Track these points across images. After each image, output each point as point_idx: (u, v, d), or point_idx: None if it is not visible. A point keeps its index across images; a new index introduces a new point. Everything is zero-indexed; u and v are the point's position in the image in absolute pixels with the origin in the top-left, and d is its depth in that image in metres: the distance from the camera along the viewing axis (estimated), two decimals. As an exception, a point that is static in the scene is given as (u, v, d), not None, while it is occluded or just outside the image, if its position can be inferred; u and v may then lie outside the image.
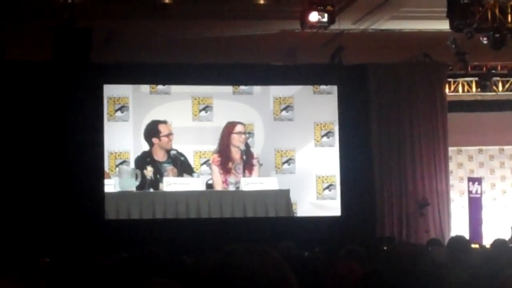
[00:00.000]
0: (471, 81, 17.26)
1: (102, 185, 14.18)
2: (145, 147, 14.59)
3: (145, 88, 14.94)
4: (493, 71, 17.20)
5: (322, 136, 15.30)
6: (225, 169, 14.61)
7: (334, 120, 15.29)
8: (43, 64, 14.18)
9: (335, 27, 13.50)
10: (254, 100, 15.25)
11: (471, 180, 16.84)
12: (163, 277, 3.72)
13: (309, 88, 15.37)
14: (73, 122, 14.15)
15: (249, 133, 14.96)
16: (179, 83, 15.10)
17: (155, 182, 14.35)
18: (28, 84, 14.07)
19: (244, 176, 14.53)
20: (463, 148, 17.54)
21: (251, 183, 14.33)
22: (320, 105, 15.29)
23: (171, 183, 14.13)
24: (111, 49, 14.76)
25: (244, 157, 14.63)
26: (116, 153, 14.68)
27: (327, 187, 15.20)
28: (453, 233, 14.48)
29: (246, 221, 14.24)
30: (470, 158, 17.73)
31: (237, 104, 15.14)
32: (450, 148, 16.08)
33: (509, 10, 12.88)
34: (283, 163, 15.17)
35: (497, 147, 17.69)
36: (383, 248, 10.19)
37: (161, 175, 14.38)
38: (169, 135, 14.54)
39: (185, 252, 7.39)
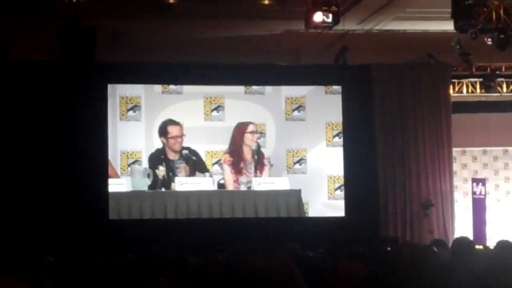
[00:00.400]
0: (475, 82, 17.24)
1: (106, 184, 14.19)
2: (158, 146, 14.61)
3: (157, 88, 14.96)
4: (498, 72, 17.18)
5: (334, 136, 15.29)
6: (237, 169, 14.61)
7: (345, 120, 15.37)
8: (48, 63, 14.20)
9: (339, 27, 13.51)
10: (266, 100, 15.26)
11: (475, 181, 16.82)
12: (168, 277, 3.73)
13: (320, 88, 15.36)
14: (78, 122, 14.16)
15: (260, 133, 14.97)
16: (183, 82, 15.10)
17: (167, 181, 14.36)
18: (33, 83, 14.08)
19: (255, 176, 14.54)
20: (467, 149, 17.52)
21: (262, 183, 14.32)
22: (332, 105, 15.28)
23: (183, 183, 14.14)
24: (115, 49, 14.79)
25: (256, 157, 14.63)
26: (128, 152, 14.69)
27: (339, 187, 15.19)
28: (457, 234, 14.49)
29: (251, 221, 14.24)
30: (474, 159, 17.71)
31: (249, 104, 15.14)
32: (454, 149, 16.07)
33: (513, 11, 12.88)
34: (295, 163, 15.18)
35: (501, 148, 17.67)
36: (387, 249, 10.18)
37: (174, 174, 14.39)
38: (177, 137, 14.51)
39: (194, 252, 7.40)
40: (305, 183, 14.84)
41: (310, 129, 15.26)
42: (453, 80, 16.81)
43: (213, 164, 14.83)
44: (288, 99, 15.29)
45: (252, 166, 14.63)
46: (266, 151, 14.90)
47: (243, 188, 14.55)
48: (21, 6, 13.37)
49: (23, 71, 14.16)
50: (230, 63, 15.07)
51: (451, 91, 16.32)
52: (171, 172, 14.43)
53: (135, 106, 14.79)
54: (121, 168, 14.58)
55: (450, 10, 12.67)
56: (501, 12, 12.76)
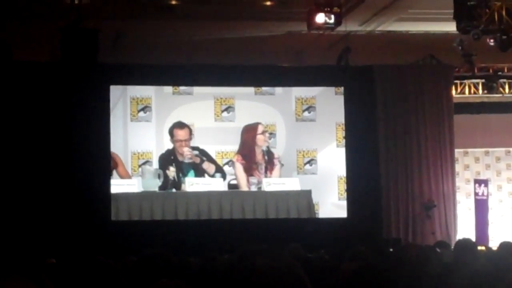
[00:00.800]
0: (478, 83, 17.23)
1: (108, 186, 14.20)
2: (168, 147, 14.63)
3: (168, 89, 15.00)
4: (500, 73, 17.17)
5: (344, 137, 15.32)
6: (248, 169, 14.60)
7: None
8: (50, 65, 14.21)
9: (341, 28, 13.49)
10: (276, 100, 15.29)
11: (478, 182, 16.81)
12: (171, 278, 3.72)
13: (330, 89, 15.38)
14: (80, 123, 14.18)
15: (270, 133, 14.98)
16: (186, 84, 15.12)
17: (178, 182, 14.36)
18: (36, 85, 14.11)
19: (265, 176, 14.54)
20: (470, 150, 17.51)
21: (273, 183, 14.32)
22: (342, 106, 15.31)
23: (193, 183, 14.13)
24: (118, 50, 14.77)
25: (266, 157, 14.63)
26: (139, 153, 14.72)
27: (349, 188, 15.26)
28: (459, 235, 14.49)
29: (253, 222, 14.24)
30: (477, 160, 17.70)
31: (259, 104, 15.19)
32: (456, 150, 16.07)
33: (516, 12, 12.86)
34: (305, 163, 15.20)
35: (503, 149, 17.66)
36: (390, 250, 10.18)
37: (183, 175, 14.38)
38: (182, 141, 14.49)
39: (201, 253, 7.38)
40: (316, 184, 14.86)
41: (320, 130, 15.29)
42: (456, 81, 16.80)
43: (224, 165, 14.84)
44: (298, 99, 15.32)
45: (263, 167, 14.63)
46: (277, 151, 14.92)
47: (253, 188, 14.53)
48: (23, 8, 13.38)
49: (26, 72, 14.19)
50: (231, 64, 15.08)
51: (453, 92, 16.31)
52: (181, 173, 14.43)
53: (146, 107, 14.83)
54: (132, 169, 14.60)
55: (452, 11, 12.66)
56: (504, 13, 12.75)
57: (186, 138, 14.54)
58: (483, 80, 17.14)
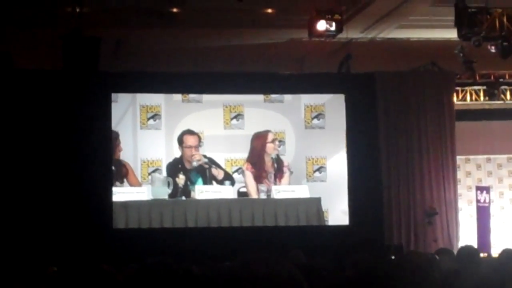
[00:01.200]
0: (479, 90, 17.23)
1: (110, 193, 14.19)
2: (177, 155, 14.59)
3: (177, 96, 14.98)
4: (501, 79, 17.18)
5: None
6: (258, 177, 14.57)
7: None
8: (51, 73, 14.21)
9: (343, 35, 13.52)
10: (285, 108, 15.26)
11: (479, 189, 16.79)
12: (173, 286, 3.72)
13: (340, 97, 15.34)
14: (82, 131, 14.17)
15: (280, 141, 14.96)
16: (187, 92, 15.12)
17: (187, 190, 14.33)
18: (37, 93, 14.10)
19: (275, 183, 14.51)
20: (471, 157, 17.51)
21: (282, 191, 14.26)
22: None
23: (203, 191, 14.09)
24: (119, 58, 14.80)
25: (275, 165, 14.60)
26: (148, 161, 14.71)
27: (359, 196, 15.25)
28: (461, 243, 14.47)
29: (255, 229, 14.22)
30: (478, 167, 17.70)
31: (268, 112, 15.14)
32: (458, 157, 16.05)
33: (517, 19, 12.88)
34: (315, 171, 15.18)
35: (505, 156, 17.65)
36: (391, 257, 10.17)
37: (192, 183, 14.36)
38: (192, 147, 14.44)
39: (206, 261, 7.38)
40: (325, 191, 14.82)
41: (329, 137, 15.26)
42: (457, 88, 16.79)
43: (233, 172, 14.83)
44: (308, 107, 15.30)
45: (272, 175, 14.60)
46: (286, 159, 14.88)
47: (263, 196, 14.49)
48: (24, 16, 13.41)
49: (27, 80, 14.18)
50: (233, 71, 15.08)
51: (454, 99, 16.31)
52: (189, 181, 14.40)
53: (155, 115, 14.82)
54: (141, 177, 14.59)
55: (453, 18, 12.68)
56: (505, 19, 12.77)
57: (195, 145, 14.48)
58: (485, 87, 17.14)
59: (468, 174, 17.60)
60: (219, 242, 13.47)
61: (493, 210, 16.74)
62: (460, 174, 16.62)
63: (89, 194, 13.99)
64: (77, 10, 12.99)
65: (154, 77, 14.79)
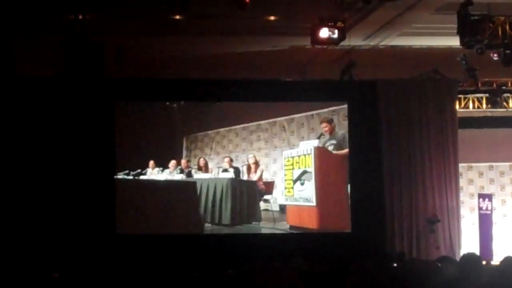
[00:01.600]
0: (482, 98, 17.22)
1: (113, 199, 14.21)
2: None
3: None
4: (504, 87, 17.16)
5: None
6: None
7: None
8: (55, 79, 14.23)
9: (345, 43, 13.52)
10: None
11: (482, 196, 16.77)
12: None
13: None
14: (85, 137, 14.19)
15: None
16: (190, 99, 15.14)
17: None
18: (40, 99, 14.12)
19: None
20: (474, 164, 17.49)
21: None
22: None
23: None
24: (122, 65, 14.81)
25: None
26: None
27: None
28: (463, 250, 14.45)
29: (260, 237, 14.26)
30: (481, 174, 17.67)
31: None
32: (460, 165, 16.03)
33: (519, 27, 12.89)
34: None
35: (507, 164, 17.63)
36: (393, 265, 10.15)
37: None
38: None
39: (210, 268, 7.37)
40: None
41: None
42: (459, 96, 16.78)
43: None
44: None
45: None
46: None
47: None
48: (28, 23, 13.42)
49: (30, 86, 14.20)
50: (236, 79, 15.08)
51: (457, 106, 16.30)
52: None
53: None
54: None
55: (456, 26, 12.68)
56: (507, 27, 12.77)
57: None
58: (487, 95, 17.12)
59: (471, 181, 17.58)
60: (222, 249, 13.48)
61: (495, 218, 16.72)
62: (462, 182, 16.61)
63: (92, 199, 14.01)
64: (80, 17, 13.01)
65: (157, 84, 14.80)
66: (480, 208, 16.51)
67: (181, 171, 15.40)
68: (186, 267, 6.84)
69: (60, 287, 6.17)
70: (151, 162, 15.25)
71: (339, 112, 15.48)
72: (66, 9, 12.89)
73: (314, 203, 14.86)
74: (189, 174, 15.45)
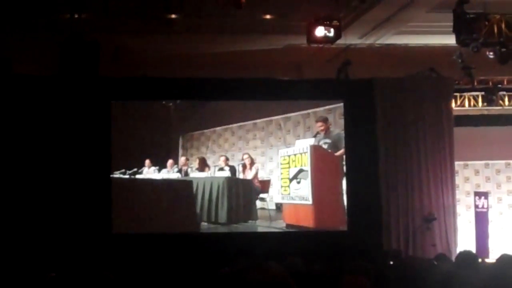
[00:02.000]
0: (477, 96, 17.24)
1: (109, 199, 14.20)
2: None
3: None
4: (499, 85, 17.18)
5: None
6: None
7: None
8: (51, 79, 14.22)
9: (341, 42, 13.51)
10: None
11: (478, 194, 16.80)
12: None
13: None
14: (81, 137, 14.19)
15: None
16: (186, 98, 15.14)
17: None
18: (36, 98, 14.12)
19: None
20: (470, 162, 17.51)
21: None
22: None
23: None
24: (118, 64, 14.80)
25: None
26: None
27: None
28: (459, 248, 14.46)
29: (255, 236, 14.26)
30: (477, 172, 17.69)
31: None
32: (456, 163, 16.06)
33: (515, 25, 12.88)
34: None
35: (503, 161, 17.65)
36: (390, 263, 10.17)
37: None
38: None
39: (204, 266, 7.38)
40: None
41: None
42: (455, 94, 16.81)
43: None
44: None
45: None
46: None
47: None
48: (24, 22, 13.40)
49: (26, 86, 14.19)
50: (232, 77, 15.08)
51: (453, 104, 16.32)
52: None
53: None
54: None
55: (451, 24, 12.68)
56: (503, 25, 12.76)
57: None
58: (483, 93, 17.15)
59: (467, 179, 17.60)
60: (218, 248, 13.48)
61: (491, 216, 16.75)
62: (458, 180, 16.63)
63: (88, 199, 14.00)
64: (76, 16, 13.00)
65: (153, 84, 14.80)
66: (476, 206, 16.54)
67: (180, 171, 15.43)
68: (183, 266, 6.84)
69: (56, 287, 6.17)
70: (147, 161, 15.27)
71: (335, 110, 15.50)
72: (62, 9, 12.88)
73: (310, 202, 14.86)
74: (185, 173, 15.46)
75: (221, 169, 15.48)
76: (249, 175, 15.45)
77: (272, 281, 2.32)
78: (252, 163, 15.50)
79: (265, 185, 15.57)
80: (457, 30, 12.67)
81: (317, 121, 15.35)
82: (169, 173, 15.39)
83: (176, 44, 14.80)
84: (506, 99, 17.36)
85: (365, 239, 14.55)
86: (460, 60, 14.68)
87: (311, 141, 15.29)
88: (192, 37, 14.51)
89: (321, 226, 14.89)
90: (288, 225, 15.10)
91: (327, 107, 15.51)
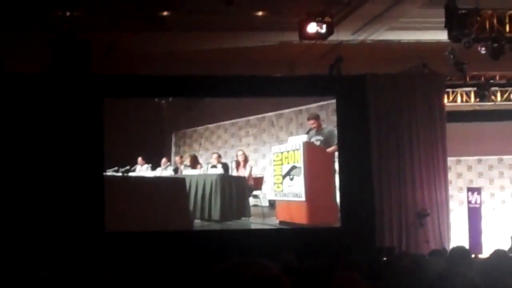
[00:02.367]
0: (470, 91, 17.27)
1: (102, 197, 14.18)
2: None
3: None
4: (492, 81, 17.22)
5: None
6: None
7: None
8: (43, 76, 14.19)
9: (333, 38, 13.51)
10: None
11: (471, 190, 16.83)
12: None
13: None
14: (73, 135, 14.16)
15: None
16: (178, 95, 15.11)
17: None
18: (28, 97, 14.08)
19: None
20: (462, 158, 17.54)
21: None
22: None
23: None
24: (110, 62, 14.78)
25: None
26: None
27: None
28: (452, 244, 14.48)
29: (249, 232, 14.25)
30: (469, 168, 17.73)
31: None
32: (449, 158, 16.07)
33: (507, 20, 12.90)
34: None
35: (496, 157, 17.70)
36: (383, 259, 10.17)
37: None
38: None
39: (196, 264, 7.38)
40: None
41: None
42: (448, 90, 16.83)
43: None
44: None
45: None
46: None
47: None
48: (15, 21, 13.37)
49: (18, 84, 14.15)
50: (224, 75, 15.06)
51: (445, 100, 16.33)
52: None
53: None
54: None
55: (443, 19, 12.69)
56: (495, 21, 12.79)
57: None
58: (475, 88, 17.18)
59: (459, 175, 17.64)
60: (212, 245, 13.48)
61: (484, 211, 16.78)
62: (451, 176, 16.66)
63: (80, 197, 13.98)
64: (68, 14, 12.97)
65: (145, 81, 14.77)
66: (469, 202, 16.57)
67: (175, 170, 15.44)
68: (176, 263, 6.83)
69: (49, 285, 6.16)
70: (140, 159, 15.26)
71: (328, 107, 15.50)
72: (54, 6, 12.85)
73: (303, 198, 14.86)
74: (178, 171, 15.45)
75: (214, 166, 15.46)
76: (242, 172, 15.45)
77: (266, 278, 2.31)
78: (246, 160, 15.49)
79: (258, 182, 15.57)
80: (449, 26, 12.69)
81: (308, 119, 15.34)
82: (163, 171, 15.38)
83: (168, 41, 14.79)
84: (499, 94, 17.40)
85: (358, 236, 14.55)
86: (452, 56, 14.71)
87: (304, 137, 15.28)
88: (184, 35, 14.50)
89: (314, 223, 14.88)
90: (281, 222, 15.10)
91: (319, 103, 15.50)
